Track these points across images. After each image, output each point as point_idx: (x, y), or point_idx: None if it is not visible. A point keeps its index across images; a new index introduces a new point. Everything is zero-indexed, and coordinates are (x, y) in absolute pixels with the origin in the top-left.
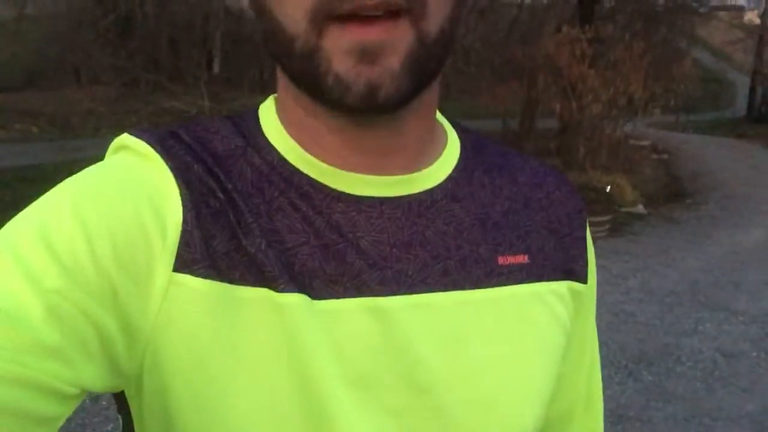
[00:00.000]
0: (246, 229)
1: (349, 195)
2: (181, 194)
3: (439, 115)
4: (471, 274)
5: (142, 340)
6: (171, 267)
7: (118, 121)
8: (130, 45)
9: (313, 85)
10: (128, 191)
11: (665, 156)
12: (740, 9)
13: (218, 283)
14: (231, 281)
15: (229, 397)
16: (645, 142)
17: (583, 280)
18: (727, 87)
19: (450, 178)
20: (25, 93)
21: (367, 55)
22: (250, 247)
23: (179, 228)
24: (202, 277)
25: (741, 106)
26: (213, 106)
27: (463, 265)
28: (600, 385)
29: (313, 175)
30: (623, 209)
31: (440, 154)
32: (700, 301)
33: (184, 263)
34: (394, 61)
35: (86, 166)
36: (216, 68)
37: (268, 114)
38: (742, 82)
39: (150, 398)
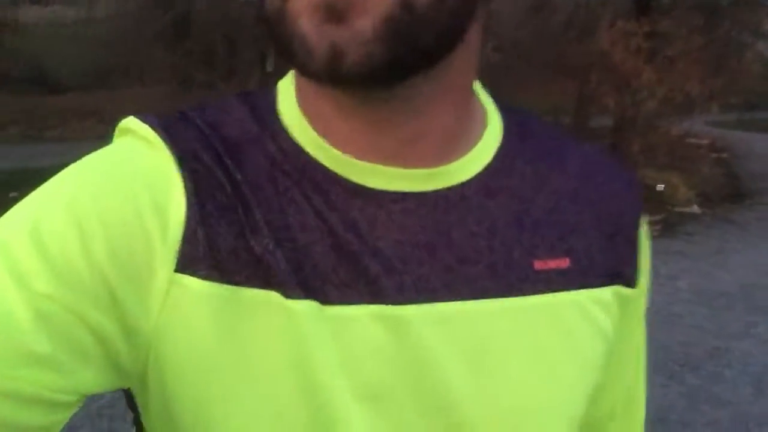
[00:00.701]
0: (254, 226)
1: (368, 189)
2: (185, 187)
3: (482, 95)
4: (502, 280)
5: (144, 341)
6: (173, 267)
7: None
8: (186, 44)
9: (285, 51)
10: (127, 184)
11: (725, 155)
12: None
13: (222, 285)
14: (237, 283)
15: (230, 404)
16: (704, 141)
17: (632, 283)
18: None
19: (487, 168)
20: (90, 93)
21: (333, 12)
22: (257, 247)
23: (182, 225)
24: (205, 279)
25: None
26: None
27: (494, 271)
28: (643, 391)
29: (329, 165)
30: (677, 209)
31: (477, 142)
32: (753, 305)
33: (186, 263)
34: (365, 23)
35: None
36: (269, 67)
37: (286, 93)
38: None
39: (154, 397)
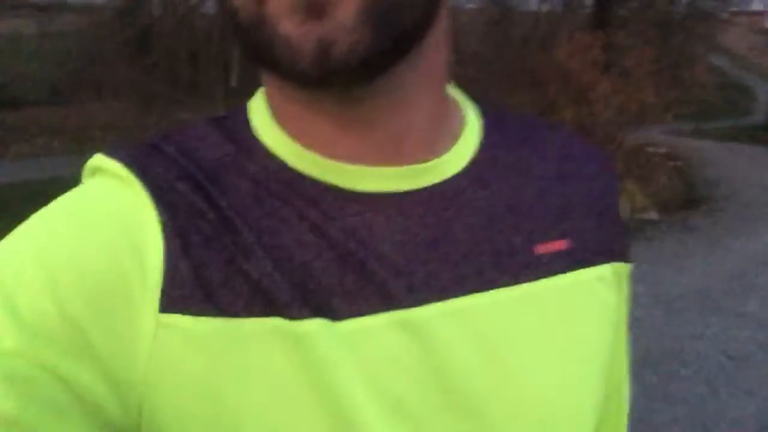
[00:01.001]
0: (246, 250)
1: (361, 193)
2: (162, 223)
3: (452, 90)
4: (507, 269)
5: (135, 391)
6: (157, 308)
7: (136, 135)
8: (148, 59)
9: (266, 59)
10: (100, 229)
11: (680, 163)
12: (760, 14)
13: (216, 319)
14: (233, 315)
15: None
16: (661, 149)
17: (626, 259)
18: (745, 93)
19: (475, 160)
20: (47, 108)
21: (314, 8)
22: (253, 272)
23: (161, 263)
24: (196, 315)
25: (760, 112)
26: None
27: (498, 260)
28: (628, 373)
29: (316, 174)
30: (635, 215)
31: (460, 134)
32: (708, 306)
33: (172, 302)
34: (346, 12)
35: None
36: (233, 82)
37: (258, 110)
38: (761, 89)
39: None
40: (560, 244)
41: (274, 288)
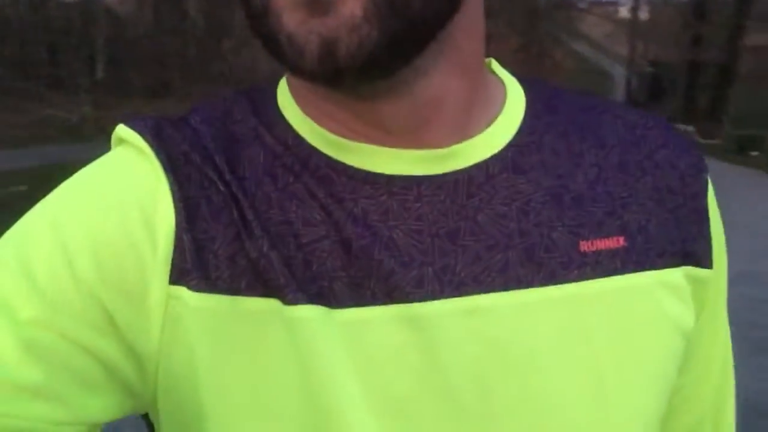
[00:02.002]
0: (249, 227)
1: (377, 175)
2: (172, 192)
3: (495, 65)
4: (540, 267)
5: (152, 363)
6: (167, 279)
7: None
8: (5, 52)
9: (273, 50)
10: (115, 200)
11: None
12: (615, 4)
13: (215, 295)
14: (236, 292)
15: (238, 424)
16: None
17: (706, 263)
18: (604, 77)
19: (511, 144)
20: None
21: (318, 4)
22: (253, 251)
23: (172, 234)
24: (197, 290)
25: (619, 95)
26: (98, 113)
27: (531, 256)
28: (733, 393)
29: (331, 153)
30: None
31: (497, 116)
32: None
33: (179, 274)
34: (353, 7)
35: None
36: (99, 73)
37: (283, 85)
38: (618, 72)
39: (166, 424)
40: (614, 242)
41: (269, 269)
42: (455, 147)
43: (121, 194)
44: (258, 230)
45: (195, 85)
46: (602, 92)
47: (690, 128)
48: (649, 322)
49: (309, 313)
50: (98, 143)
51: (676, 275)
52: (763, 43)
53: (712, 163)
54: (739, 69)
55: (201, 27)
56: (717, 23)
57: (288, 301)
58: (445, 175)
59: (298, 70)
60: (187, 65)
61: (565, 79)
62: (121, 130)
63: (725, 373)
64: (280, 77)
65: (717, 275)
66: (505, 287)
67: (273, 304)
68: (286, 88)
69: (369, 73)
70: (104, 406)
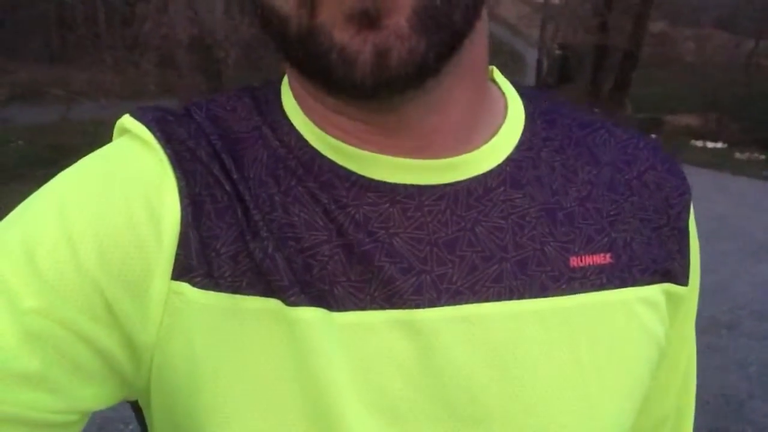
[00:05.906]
0: (254, 227)
1: (379, 183)
2: (179, 188)
3: (498, 76)
4: (533, 279)
5: (147, 355)
6: (169, 274)
7: None
8: None
9: (318, 69)
10: (120, 191)
11: None
12: None
13: (218, 293)
14: (236, 291)
15: (233, 421)
16: None
17: (683, 281)
18: (517, 58)
19: (511, 158)
20: None
21: (368, 18)
22: (257, 251)
23: (177, 228)
24: (200, 287)
25: (530, 75)
26: None
27: (523, 269)
28: (693, 401)
29: (336, 159)
30: None
31: (498, 129)
32: None
33: (182, 270)
34: (400, 20)
35: None
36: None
37: (286, 86)
38: (530, 54)
39: (159, 410)
40: (601, 258)
41: (273, 270)
42: (457, 159)
43: (128, 185)
44: (263, 231)
45: (105, 52)
46: (515, 73)
47: (596, 111)
48: (630, 334)
49: (310, 314)
50: None
51: (656, 291)
52: (664, 30)
53: None
54: (642, 54)
55: None
56: (623, 10)
57: (290, 302)
58: (445, 186)
59: (344, 84)
60: (95, 30)
61: None
62: (127, 121)
63: (688, 381)
64: (197, 45)
65: (691, 291)
66: (499, 297)
67: (274, 304)
68: (290, 91)
69: (412, 84)
70: (98, 395)
